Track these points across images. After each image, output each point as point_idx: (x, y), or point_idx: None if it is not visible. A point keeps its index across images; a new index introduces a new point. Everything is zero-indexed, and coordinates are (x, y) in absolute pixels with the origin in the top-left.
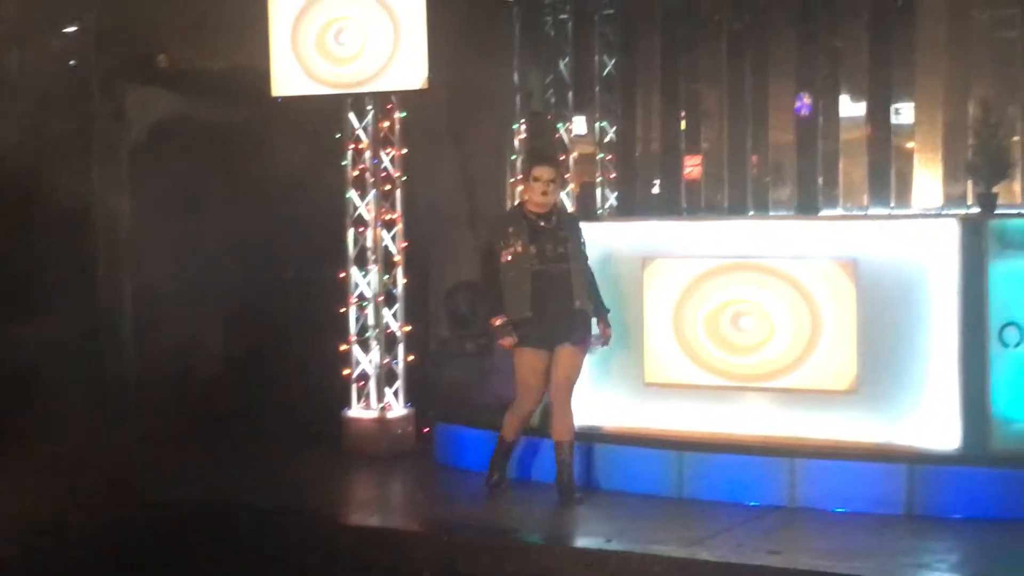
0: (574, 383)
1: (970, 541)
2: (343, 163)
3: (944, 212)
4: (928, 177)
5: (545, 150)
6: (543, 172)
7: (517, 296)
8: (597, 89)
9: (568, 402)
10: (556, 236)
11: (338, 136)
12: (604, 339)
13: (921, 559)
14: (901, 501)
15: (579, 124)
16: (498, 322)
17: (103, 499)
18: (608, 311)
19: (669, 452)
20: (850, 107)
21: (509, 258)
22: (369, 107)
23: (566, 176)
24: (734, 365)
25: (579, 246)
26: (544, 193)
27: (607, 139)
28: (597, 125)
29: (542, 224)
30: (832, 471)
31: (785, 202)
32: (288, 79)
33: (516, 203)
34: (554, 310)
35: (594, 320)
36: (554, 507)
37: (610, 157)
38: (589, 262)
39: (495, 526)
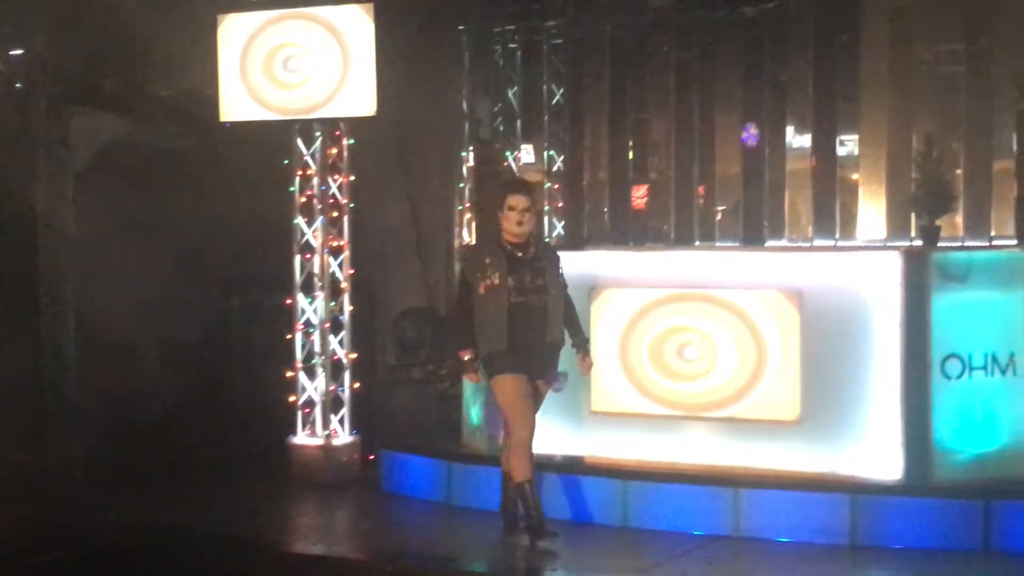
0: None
1: (911, 571)
2: (291, 189)
3: (888, 244)
4: (872, 209)
5: (518, 179)
6: (518, 201)
7: (493, 329)
8: (546, 118)
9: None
10: (534, 267)
11: (286, 162)
12: (586, 368)
13: None
14: (844, 531)
15: (527, 153)
16: (466, 356)
17: (41, 528)
18: (587, 339)
19: (614, 481)
20: (796, 139)
21: (484, 291)
22: (317, 133)
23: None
24: (680, 394)
25: (557, 277)
26: (519, 223)
27: (555, 168)
28: (545, 154)
29: (519, 255)
30: (776, 501)
31: (731, 233)
32: (236, 104)
33: (485, 234)
34: (528, 343)
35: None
36: (499, 536)
37: (557, 186)
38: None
39: (439, 555)
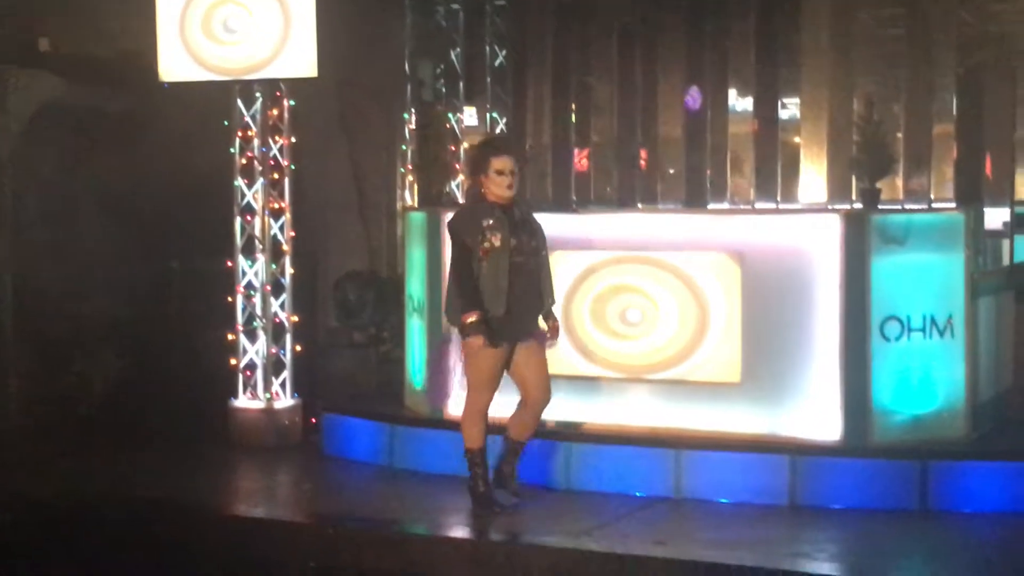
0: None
1: (850, 531)
2: (231, 151)
3: (828, 207)
4: (813, 172)
5: (500, 138)
6: (505, 163)
7: (494, 292)
8: (488, 80)
9: (546, 404)
10: (529, 229)
11: (226, 124)
12: (554, 332)
13: (802, 548)
14: (784, 492)
15: (470, 115)
16: (471, 319)
17: None
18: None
19: (557, 443)
20: (738, 103)
21: (484, 254)
22: (258, 94)
23: (457, 167)
24: (622, 357)
25: (544, 241)
26: (509, 187)
27: (498, 130)
28: (488, 116)
29: (512, 216)
30: (717, 462)
31: (673, 195)
32: (175, 65)
33: (473, 196)
34: (524, 306)
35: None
36: (442, 499)
37: None
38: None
39: (381, 518)
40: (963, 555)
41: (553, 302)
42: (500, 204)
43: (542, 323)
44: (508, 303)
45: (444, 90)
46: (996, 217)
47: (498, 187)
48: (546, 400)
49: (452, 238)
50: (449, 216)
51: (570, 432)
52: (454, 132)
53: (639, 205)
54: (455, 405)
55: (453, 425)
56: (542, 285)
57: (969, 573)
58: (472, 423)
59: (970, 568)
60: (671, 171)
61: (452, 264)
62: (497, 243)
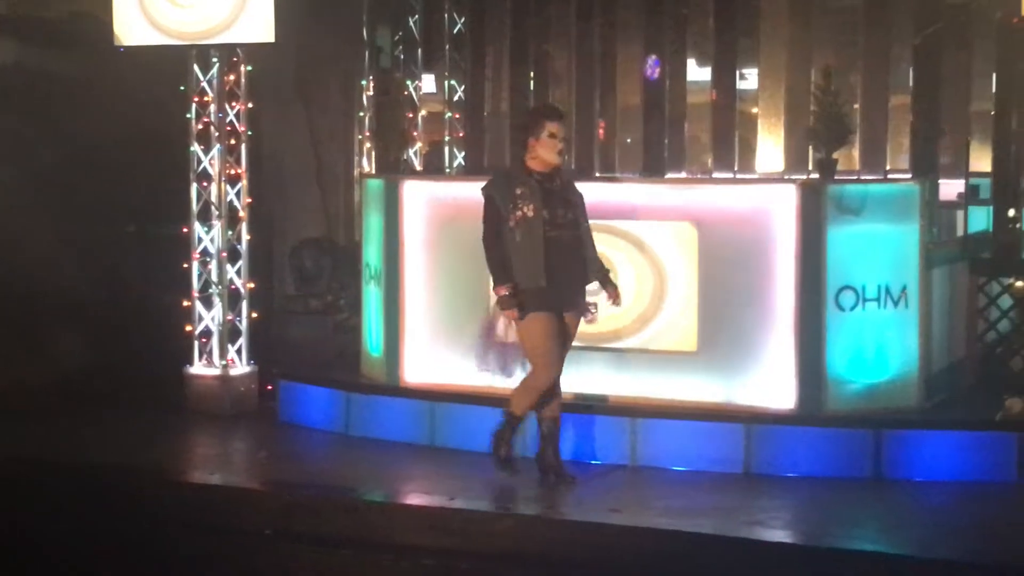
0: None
1: (804, 499)
2: (187, 116)
3: (785, 177)
4: (771, 142)
5: (553, 105)
6: (559, 128)
7: (531, 264)
8: (447, 47)
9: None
10: (566, 200)
11: (182, 89)
12: (614, 299)
13: (756, 516)
14: (739, 460)
15: (428, 82)
16: (504, 291)
17: None
18: (608, 271)
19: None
20: (696, 72)
21: (515, 223)
22: (215, 59)
23: (415, 134)
24: (581, 326)
25: (585, 210)
26: (560, 152)
27: (456, 98)
28: (446, 83)
29: (550, 187)
30: (673, 431)
31: (632, 164)
32: (131, 28)
33: (514, 162)
34: (564, 279)
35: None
36: (399, 466)
37: (459, 116)
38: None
39: (338, 484)
40: (915, 523)
41: (607, 271)
42: (540, 172)
43: (594, 297)
44: (548, 274)
45: (402, 57)
46: (951, 189)
47: (549, 151)
48: (554, 376)
49: (486, 203)
50: (487, 182)
51: None
52: (412, 99)
53: (597, 174)
54: (411, 372)
55: (408, 392)
56: (586, 256)
57: (920, 541)
58: (525, 394)
59: (922, 536)
60: (628, 140)
61: (484, 233)
62: (530, 213)
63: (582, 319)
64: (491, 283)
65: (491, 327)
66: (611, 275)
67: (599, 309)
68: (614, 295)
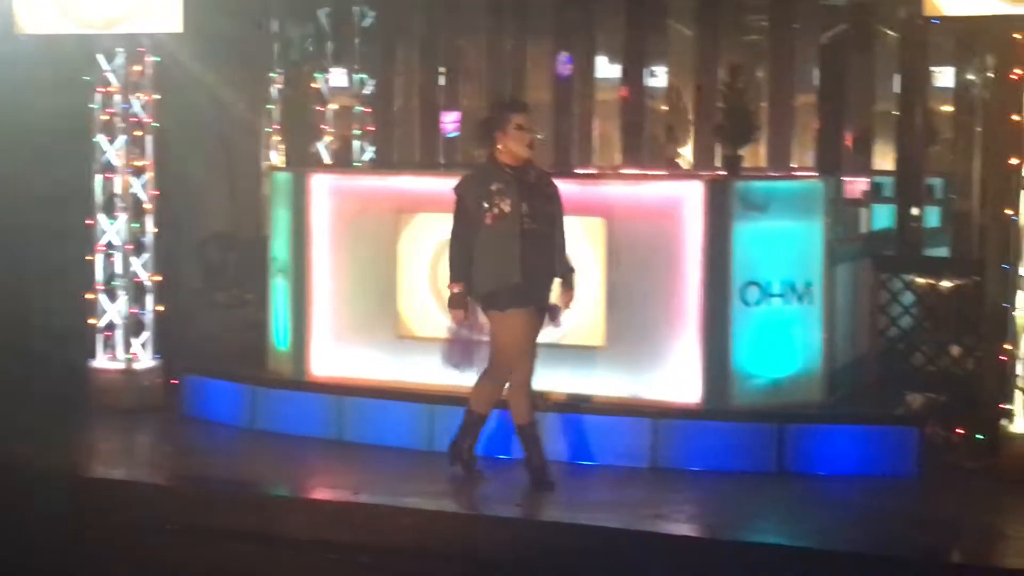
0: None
1: (708, 492)
2: (91, 107)
3: (692, 173)
4: (679, 139)
5: (519, 98)
6: (525, 119)
7: (504, 260)
8: (357, 41)
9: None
10: (543, 194)
11: (87, 79)
12: (566, 301)
13: (660, 510)
14: (646, 454)
15: (338, 76)
16: (455, 289)
17: None
18: (574, 271)
19: (420, 405)
20: (606, 69)
21: (492, 220)
22: (120, 50)
23: (324, 128)
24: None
25: (561, 205)
26: (531, 145)
27: (366, 91)
28: (356, 77)
29: (524, 179)
30: (580, 425)
31: (541, 160)
32: (33, 17)
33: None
34: (539, 275)
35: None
36: (304, 460)
37: (368, 110)
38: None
39: (242, 479)
40: (816, 515)
41: (572, 270)
42: (514, 167)
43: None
44: (524, 269)
45: (312, 50)
46: (855, 187)
47: (518, 144)
48: (528, 377)
49: (456, 202)
50: (460, 181)
51: (435, 396)
52: (321, 93)
53: None
54: (318, 366)
55: (315, 386)
56: (556, 254)
57: (822, 533)
58: (487, 387)
59: (823, 528)
60: (540, 136)
61: (452, 230)
62: (507, 208)
63: (552, 323)
64: (398, 278)
65: (471, 323)
66: (573, 276)
67: (560, 312)
68: (566, 299)
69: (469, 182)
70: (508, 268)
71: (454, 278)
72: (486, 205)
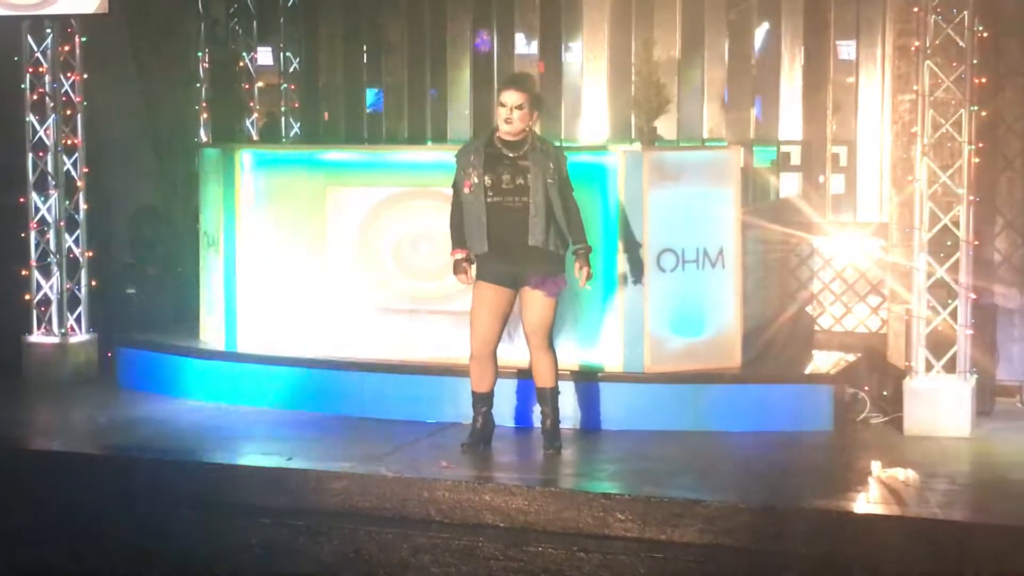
0: (546, 327)
1: (629, 451)
2: (22, 87)
3: (608, 145)
4: (595, 112)
5: (516, 74)
6: (509, 97)
7: (475, 229)
8: (282, 20)
9: (543, 347)
10: (517, 167)
11: (16, 59)
12: (583, 278)
13: (582, 469)
14: (570, 416)
15: (264, 54)
16: (456, 256)
17: None
18: (590, 249)
19: (351, 372)
20: (524, 45)
21: (468, 189)
22: (48, 30)
23: (252, 105)
24: (415, 289)
25: (545, 179)
26: (507, 121)
27: (291, 69)
28: (281, 55)
29: (508, 154)
30: (505, 389)
31: (463, 133)
32: None
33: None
34: (509, 246)
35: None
36: (236, 429)
37: (294, 87)
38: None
39: (177, 447)
40: (732, 471)
41: (586, 247)
42: (504, 139)
43: (579, 269)
44: (489, 241)
45: (238, 29)
46: (764, 156)
47: (499, 120)
48: (536, 344)
49: (456, 172)
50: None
51: (363, 363)
52: (248, 70)
53: (429, 143)
54: (246, 338)
55: (245, 357)
56: (530, 225)
57: (737, 486)
58: (472, 366)
59: (739, 482)
60: (466, 112)
61: (452, 198)
62: (475, 179)
63: (542, 292)
64: (326, 251)
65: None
66: (584, 252)
67: (566, 284)
68: (584, 273)
69: (460, 152)
70: (478, 237)
71: (453, 244)
72: (463, 174)
